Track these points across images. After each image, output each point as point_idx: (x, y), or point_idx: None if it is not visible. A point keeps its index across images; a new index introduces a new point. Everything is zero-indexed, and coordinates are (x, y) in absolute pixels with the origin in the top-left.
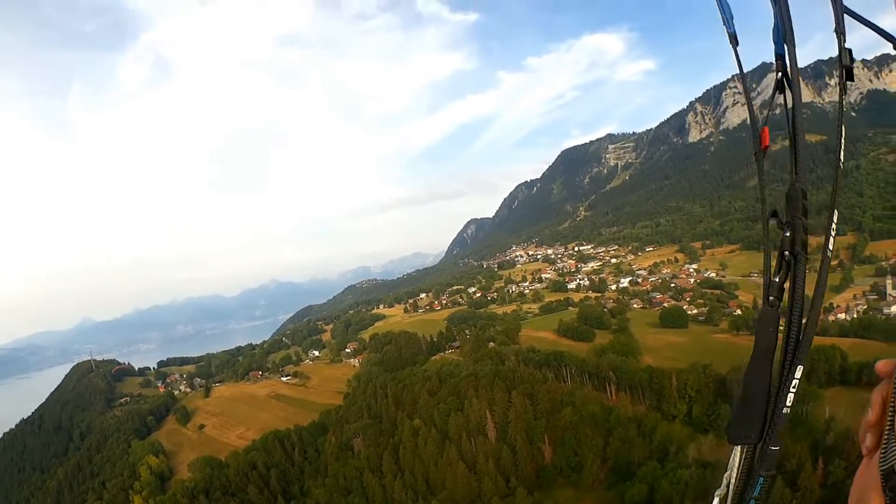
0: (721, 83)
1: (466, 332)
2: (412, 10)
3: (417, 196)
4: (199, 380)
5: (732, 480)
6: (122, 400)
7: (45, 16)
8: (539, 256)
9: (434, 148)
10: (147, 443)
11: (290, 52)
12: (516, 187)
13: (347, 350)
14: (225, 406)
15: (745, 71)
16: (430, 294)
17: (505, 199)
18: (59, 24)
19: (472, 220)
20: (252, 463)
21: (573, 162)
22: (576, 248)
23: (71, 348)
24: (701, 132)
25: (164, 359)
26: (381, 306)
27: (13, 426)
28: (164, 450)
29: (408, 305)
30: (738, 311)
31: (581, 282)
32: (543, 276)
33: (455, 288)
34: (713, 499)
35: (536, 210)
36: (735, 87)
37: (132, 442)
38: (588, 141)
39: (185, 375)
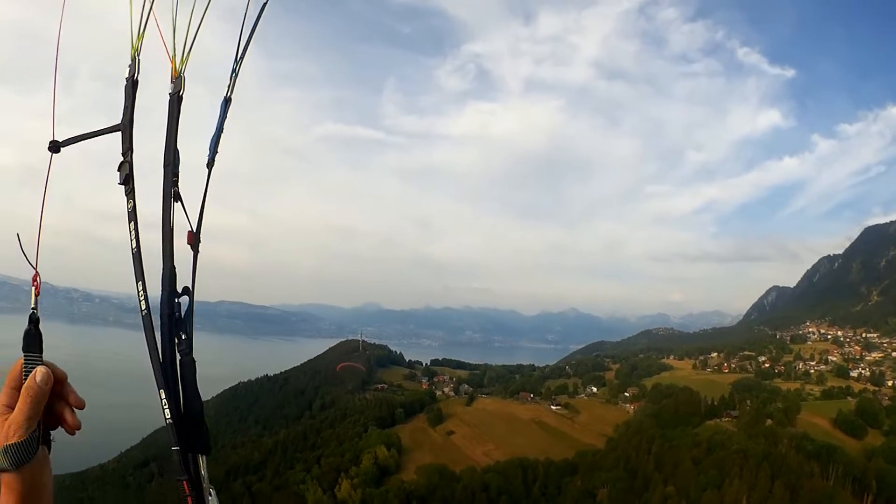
0: None
1: (748, 401)
2: (733, 59)
3: (725, 254)
4: (466, 386)
5: None
6: (379, 386)
7: (353, 11)
8: (829, 337)
9: (747, 207)
10: (385, 433)
11: (610, 84)
12: (819, 260)
13: (626, 394)
14: (482, 419)
15: None
16: (721, 354)
17: (807, 271)
18: (371, 21)
19: (773, 286)
20: (485, 484)
21: (873, 241)
22: (863, 335)
23: (348, 326)
24: None
25: (440, 358)
26: (672, 357)
27: (252, 378)
28: (400, 445)
29: (697, 362)
30: None
31: (862, 371)
32: (829, 357)
33: (746, 353)
34: None
35: (834, 287)
36: None
37: (370, 427)
38: (889, 221)
39: (454, 379)
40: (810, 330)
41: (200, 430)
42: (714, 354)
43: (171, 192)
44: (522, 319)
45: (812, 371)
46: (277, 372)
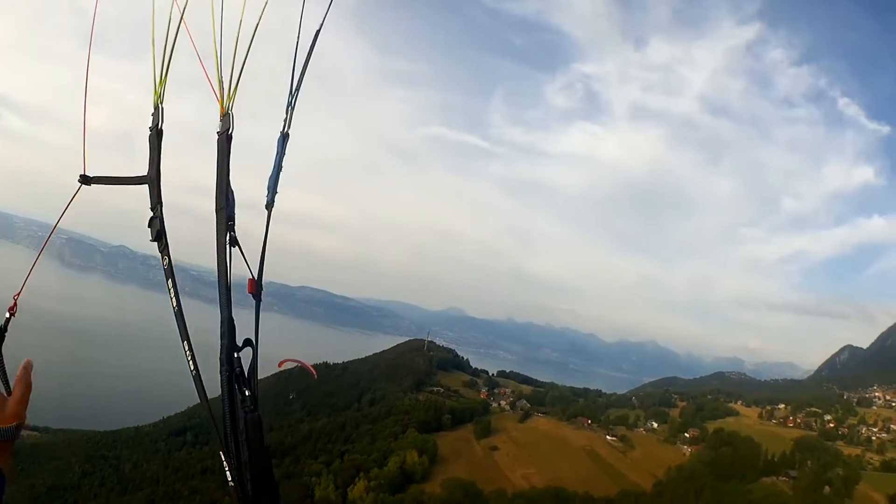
0: None
1: (808, 462)
2: (833, 109)
3: (806, 306)
4: (523, 402)
5: None
6: (435, 389)
7: (469, 17)
8: (894, 404)
9: (832, 262)
10: (422, 437)
11: (715, 120)
12: (894, 324)
13: (686, 435)
14: (531, 439)
15: None
16: (788, 407)
17: (881, 334)
18: (485, 28)
19: (847, 346)
20: None
21: None
22: None
23: (428, 328)
24: None
25: (507, 371)
26: (740, 402)
27: (311, 363)
28: (436, 452)
29: (764, 411)
30: None
31: None
32: (892, 426)
33: (813, 410)
34: None
35: None
36: None
37: (410, 430)
38: None
39: (515, 393)
40: (876, 395)
41: (270, 495)
42: (781, 406)
43: (227, 238)
44: (601, 345)
45: (874, 438)
46: (339, 361)
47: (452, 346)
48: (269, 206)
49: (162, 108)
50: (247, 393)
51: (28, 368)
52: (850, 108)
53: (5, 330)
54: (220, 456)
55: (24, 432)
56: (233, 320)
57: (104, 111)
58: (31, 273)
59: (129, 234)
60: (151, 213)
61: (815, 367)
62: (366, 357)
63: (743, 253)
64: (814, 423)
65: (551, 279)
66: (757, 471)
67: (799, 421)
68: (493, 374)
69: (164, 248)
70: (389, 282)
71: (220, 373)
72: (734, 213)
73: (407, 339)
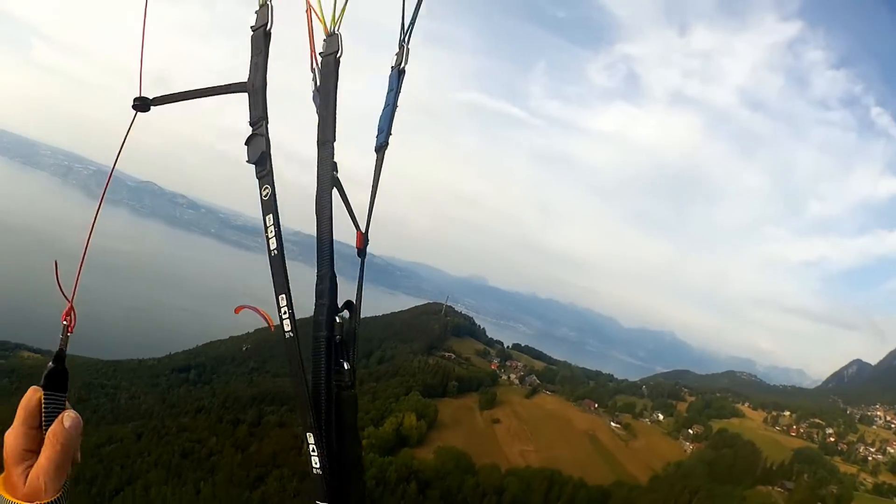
0: None
1: (805, 475)
2: (867, 116)
3: (821, 314)
4: (533, 378)
5: None
6: (446, 354)
7: None
8: (893, 426)
9: (852, 272)
10: (425, 402)
11: (752, 114)
12: None
13: (690, 431)
14: (535, 416)
15: None
16: (793, 415)
17: (891, 352)
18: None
19: (856, 360)
20: (501, 487)
21: None
22: None
23: (449, 293)
24: None
25: (522, 345)
26: (747, 404)
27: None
28: (435, 418)
29: (769, 416)
30: None
31: None
32: (888, 448)
33: (816, 421)
34: None
35: None
36: None
37: (413, 392)
38: None
39: (526, 367)
40: (878, 414)
41: (356, 485)
42: (787, 413)
43: (331, 179)
44: (620, 330)
45: (870, 458)
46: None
47: (472, 314)
48: (382, 148)
49: (271, 6)
50: (345, 365)
51: (71, 428)
52: (882, 117)
53: (65, 352)
54: (306, 437)
55: (25, 353)
56: (335, 276)
57: (138, 48)
58: (93, 223)
59: (159, 171)
60: (251, 130)
61: (823, 377)
62: (382, 315)
63: (765, 251)
64: (815, 435)
65: (576, 256)
66: (754, 478)
67: (801, 431)
68: (507, 346)
69: (265, 174)
70: (415, 243)
71: (316, 339)
72: (761, 209)
73: (427, 301)
